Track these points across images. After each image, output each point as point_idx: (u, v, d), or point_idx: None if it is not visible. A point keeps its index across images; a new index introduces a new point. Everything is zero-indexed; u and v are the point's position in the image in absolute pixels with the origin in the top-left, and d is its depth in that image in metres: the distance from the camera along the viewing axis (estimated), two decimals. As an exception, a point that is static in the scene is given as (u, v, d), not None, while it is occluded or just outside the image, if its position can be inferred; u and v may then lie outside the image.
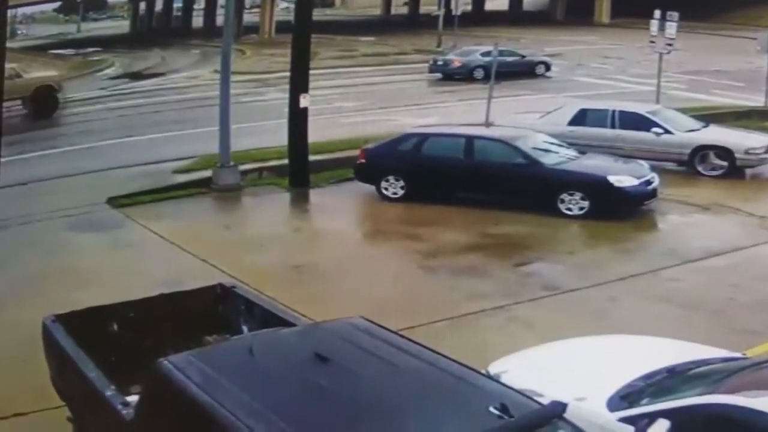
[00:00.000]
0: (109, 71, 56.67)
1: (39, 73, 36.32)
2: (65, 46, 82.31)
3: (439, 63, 40.91)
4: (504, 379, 6.96)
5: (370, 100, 33.39)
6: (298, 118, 19.61)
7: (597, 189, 16.25)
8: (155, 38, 77.29)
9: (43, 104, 33.66)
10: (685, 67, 37.61)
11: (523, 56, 40.90)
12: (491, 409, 5.56)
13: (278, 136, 21.14)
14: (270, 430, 5.48)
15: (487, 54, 37.18)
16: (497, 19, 72.49)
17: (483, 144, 17.55)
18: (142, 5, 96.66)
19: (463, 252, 14.66)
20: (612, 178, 16.24)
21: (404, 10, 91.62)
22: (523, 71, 38.94)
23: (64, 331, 8.08)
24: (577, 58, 45.28)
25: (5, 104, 33.97)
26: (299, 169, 19.57)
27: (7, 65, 35.61)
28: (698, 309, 11.69)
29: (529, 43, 47.86)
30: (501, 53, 37.28)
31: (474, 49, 40.69)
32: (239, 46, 56.10)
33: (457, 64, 39.43)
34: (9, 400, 9.26)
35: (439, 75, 40.52)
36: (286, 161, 19.96)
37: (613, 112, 20.43)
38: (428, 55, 46.07)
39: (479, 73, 37.73)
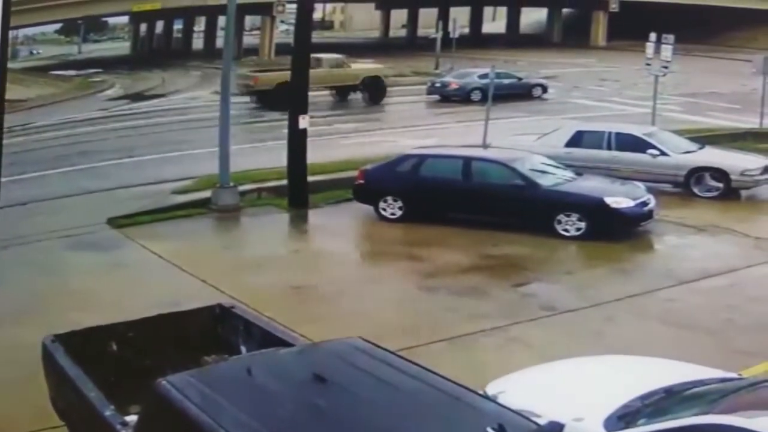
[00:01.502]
0: (109, 92, 56.71)
1: (366, 65, 41.24)
2: (67, 66, 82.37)
3: (437, 85, 41.08)
4: (502, 400, 6.94)
5: (368, 122, 33.46)
6: (297, 139, 19.65)
7: (594, 210, 16.30)
8: (155, 59, 77.34)
9: (373, 92, 38.62)
10: (681, 89, 37.73)
11: (521, 78, 41.06)
12: (489, 430, 5.57)
13: (277, 156, 21.18)
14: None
15: (484, 76, 37.26)
16: (494, 41, 72.65)
17: (481, 165, 17.61)
18: (143, 27, 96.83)
19: (461, 272, 14.68)
20: (608, 200, 16.30)
21: (403, 32, 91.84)
22: (521, 93, 39.15)
23: (63, 351, 8.09)
24: (574, 81, 45.41)
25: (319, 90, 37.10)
26: (298, 190, 19.59)
27: (334, 55, 40.85)
28: (695, 329, 11.73)
29: (525, 66, 47.98)
30: (498, 76, 37.53)
31: (471, 71, 40.81)
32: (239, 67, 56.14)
33: (454, 86, 39.54)
34: (9, 420, 9.23)
35: (437, 97, 40.65)
36: (285, 182, 19.97)
37: (610, 133, 20.46)
38: (426, 77, 46.19)
39: (476, 95, 37.85)
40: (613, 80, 45.75)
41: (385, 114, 37.05)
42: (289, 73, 38.17)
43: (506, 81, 38.89)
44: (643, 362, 8.72)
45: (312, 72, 37.69)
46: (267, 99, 36.61)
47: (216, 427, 5.71)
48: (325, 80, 38.80)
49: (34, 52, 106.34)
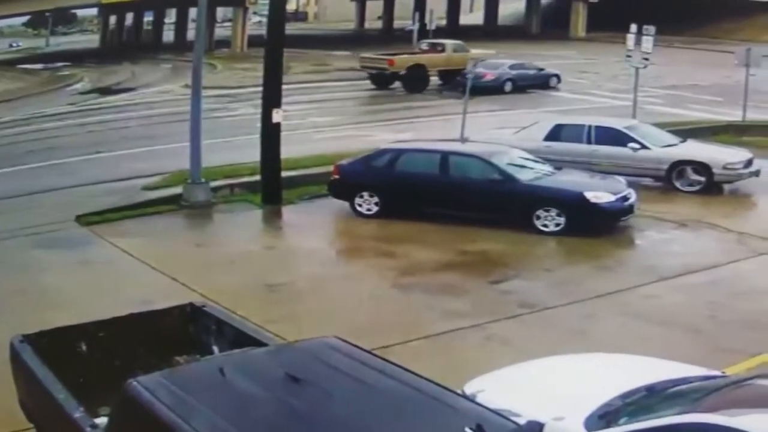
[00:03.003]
0: (78, 86, 56.39)
1: (479, 51, 42.53)
2: (34, 60, 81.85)
3: (469, 77, 39.83)
4: (480, 399, 6.91)
5: (344, 115, 33.31)
6: (270, 134, 19.43)
7: (573, 205, 16.20)
8: (125, 53, 77.01)
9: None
10: (662, 81, 37.90)
11: (541, 69, 41.71)
12: (467, 430, 5.51)
13: (250, 151, 20.97)
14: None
15: (515, 67, 39.82)
16: (472, 33, 72.74)
17: (458, 160, 17.48)
18: (112, 19, 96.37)
19: (438, 269, 14.55)
20: (588, 194, 16.19)
21: (378, 24, 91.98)
22: (540, 84, 40.16)
23: (32, 352, 7.99)
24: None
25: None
26: (272, 186, 19.37)
27: (456, 41, 44.75)
28: (677, 326, 11.66)
29: (504, 58, 47.88)
30: (522, 66, 40.22)
31: (501, 62, 40.76)
32: (211, 60, 55.93)
33: (489, 77, 38.66)
34: (-25, 423, 9.04)
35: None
36: (258, 177, 19.77)
37: (590, 127, 20.39)
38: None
39: (509, 86, 38.92)
40: (593, 72, 45.93)
41: (361, 107, 36.89)
42: (419, 56, 42.22)
43: (531, 72, 40.60)
44: (625, 360, 8.66)
45: (436, 56, 41.74)
46: (391, 80, 40.40)
47: (188, 429, 5.63)
48: (449, 63, 40.96)
49: (14, 45, 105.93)
